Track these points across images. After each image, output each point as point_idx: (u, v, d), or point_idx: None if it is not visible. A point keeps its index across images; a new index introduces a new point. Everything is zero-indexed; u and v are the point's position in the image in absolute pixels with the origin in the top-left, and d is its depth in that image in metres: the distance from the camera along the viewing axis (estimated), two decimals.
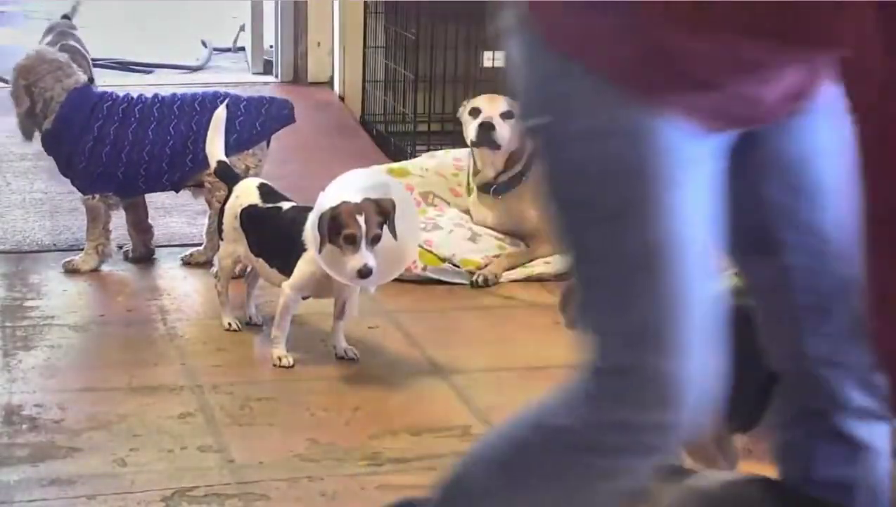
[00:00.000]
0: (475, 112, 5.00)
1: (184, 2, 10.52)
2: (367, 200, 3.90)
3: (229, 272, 4.30)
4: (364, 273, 3.82)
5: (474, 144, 4.99)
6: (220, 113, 4.38)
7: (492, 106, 4.98)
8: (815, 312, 2.23)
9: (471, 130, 4.97)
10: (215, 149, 4.35)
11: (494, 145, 4.96)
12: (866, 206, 2.02)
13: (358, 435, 3.59)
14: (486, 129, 4.93)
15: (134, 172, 4.80)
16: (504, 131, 4.94)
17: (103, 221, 4.84)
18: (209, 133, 4.38)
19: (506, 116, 4.95)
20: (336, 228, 3.83)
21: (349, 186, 3.96)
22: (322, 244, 3.83)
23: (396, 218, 3.91)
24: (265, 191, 4.22)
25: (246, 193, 4.22)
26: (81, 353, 4.15)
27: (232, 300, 4.34)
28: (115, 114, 4.80)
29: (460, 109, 5.12)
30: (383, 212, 3.90)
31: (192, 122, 4.77)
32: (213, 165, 4.35)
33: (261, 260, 4.15)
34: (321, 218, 3.84)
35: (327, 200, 3.90)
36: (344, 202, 3.87)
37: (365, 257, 3.82)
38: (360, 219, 3.83)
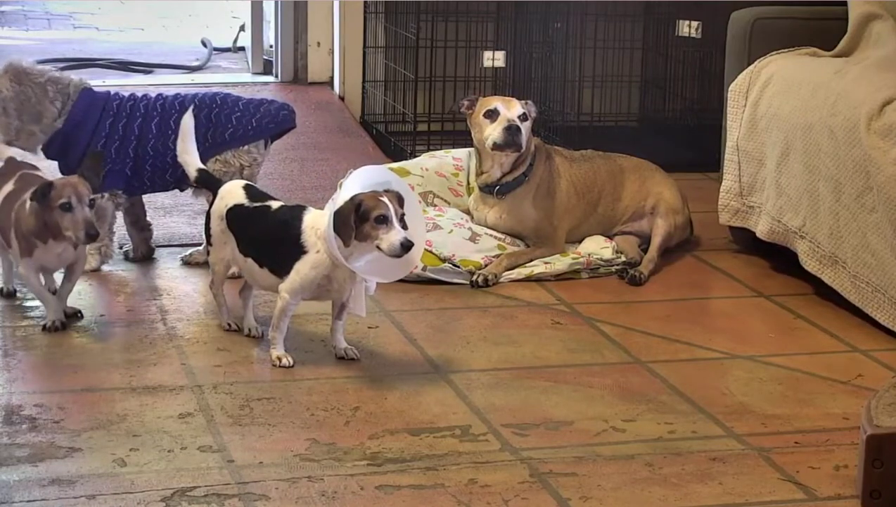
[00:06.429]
0: (492, 114, 4.96)
1: (184, 2, 10.52)
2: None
3: (223, 276, 4.27)
4: (407, 245, 3.83)
5: (497, 147, 4.94)
6: (187, 120, 4.35)
7: (509, 108, 4.96)
8: None
9: (494, 132, 4.92)
10: (190, 158, 4.32)
11: (518, 148, 4.95)
12: None
13: (358, 435, 3.59)
14: (514, 132, 4.91)
15: (140, 167, 4.80)
16: (524, 133, 4.95)
17: (109, 222, 4.84)
18: (179, 144, 4.35)
19: (521, 118, 4.94)
20: (364, 215, 3.84)
21: (358, 184, 3.95)
22: (348, 239, 3.83)
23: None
24: (251, 192, 4.19)
25: (231, 194, 4.19)
26: (81, 353, 4.15)
27: (231, 308, 4.33)
28: (123, 110, 4.82)
29: (462, 104, 5.05)
30: (400, 200, 3.92)
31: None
32: (192, 174, 4.32)
33: (249, 260, 4.11)
34: (339, 213, 3.83)
35: (341, 199, 3.90)
36: (359, 194, 3.87)
37: (402, 231, 3.84)
38: (385, 199, 3.86)
